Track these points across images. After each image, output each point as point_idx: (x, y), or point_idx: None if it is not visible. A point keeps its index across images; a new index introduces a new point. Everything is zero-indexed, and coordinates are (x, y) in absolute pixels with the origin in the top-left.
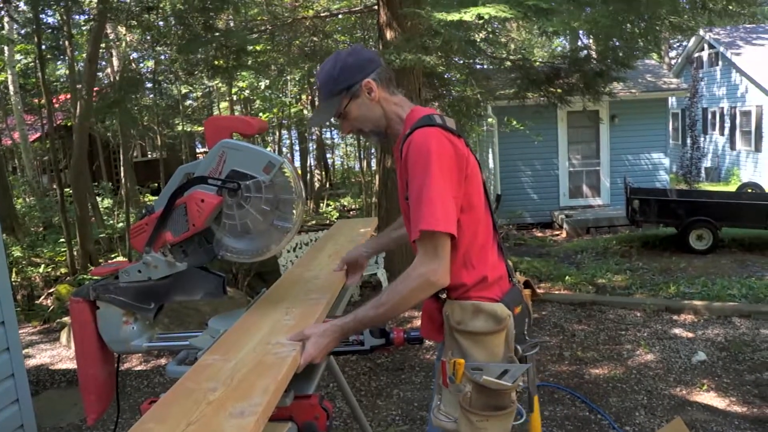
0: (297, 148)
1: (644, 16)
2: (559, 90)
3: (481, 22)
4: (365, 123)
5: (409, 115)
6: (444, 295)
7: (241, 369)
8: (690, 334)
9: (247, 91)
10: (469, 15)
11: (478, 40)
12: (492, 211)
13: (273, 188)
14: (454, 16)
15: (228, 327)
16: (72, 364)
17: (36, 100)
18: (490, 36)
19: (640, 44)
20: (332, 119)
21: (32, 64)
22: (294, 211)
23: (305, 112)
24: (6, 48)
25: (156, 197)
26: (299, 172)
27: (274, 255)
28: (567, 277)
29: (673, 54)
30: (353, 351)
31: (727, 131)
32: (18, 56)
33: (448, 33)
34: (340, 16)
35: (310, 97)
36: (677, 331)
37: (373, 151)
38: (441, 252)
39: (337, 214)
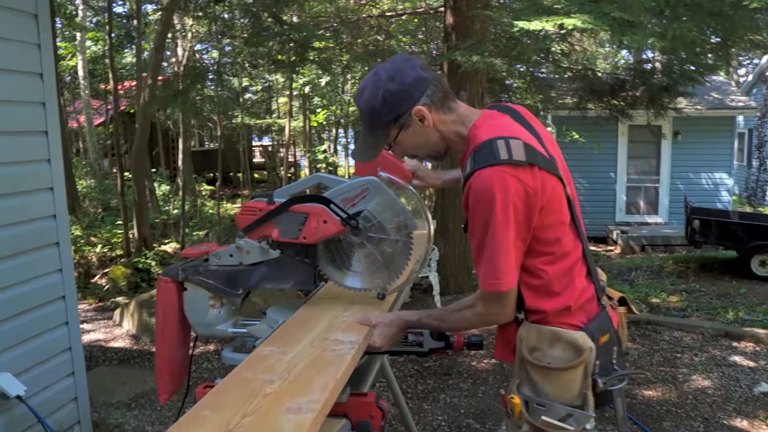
0: (352, 147)
1: (720, 32)
2: (622, 103)
3: (563, 32)
4: (420, 150)
5: (470, 133)
6: (522, 316)
7: (298, 363)
8: (751, 363)
9: (307, 88)
10: (550, 24)
11: (558, 51)
12: (580, 230)
13: (395, 246)
14: (536, 26)
15: (286, 318)
16: (123, 343)
17: (102, 86)
18: (571, 48)
19: (710, 61)
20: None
21: (101, 51)
22: (399, 276)
23: None
24: (78, 34)
25: (211, 187)
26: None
27: None
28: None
29: (742, 71)
30: (411, 352)
31: None
32: (88, 43)
33: (521, 44)
34: (404, 17)
35: None
36: (737, 358)
37: None
38: (504, 302)
39: None
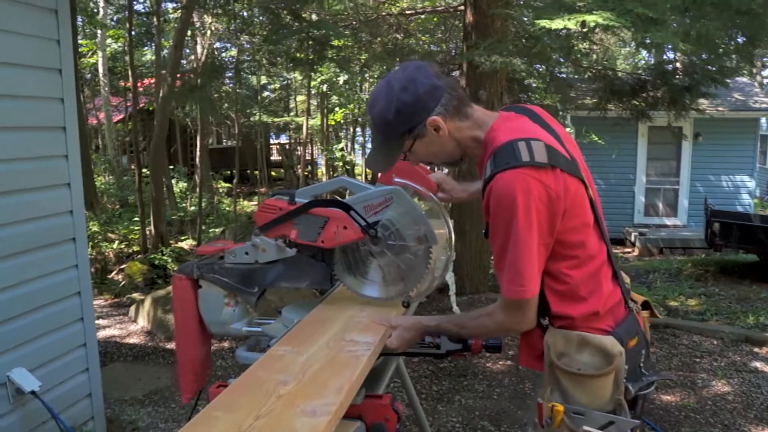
0: (369, 145)
1: (747, 31)
2: (642, 103)
3: (584, 30)
4: (435, 158)
5: (488, 136)
6: (546, 322)
7: (313, 364)
8: None
9: (326, 86)
10: (573, 23)
11: (580, 50)
12: (604, 232)
13: (414, 258)
14: (558, 24)
15: (301, 318)
16: (138, 340)
17: (122, 83)
18: (592, 46)
19: (734, 62)
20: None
21: (121, 48)
22: (416, 288)
23: None
24: (99, 32)
25: (228, 184)
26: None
27: None
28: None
29: (766, 73)
30: (428, 354)
31: None
32: (108, 40)
33: (542, 42)
34: (423, 16)
35: None
36: (758, 364)
37: None
38: (525, 309)
39: None
